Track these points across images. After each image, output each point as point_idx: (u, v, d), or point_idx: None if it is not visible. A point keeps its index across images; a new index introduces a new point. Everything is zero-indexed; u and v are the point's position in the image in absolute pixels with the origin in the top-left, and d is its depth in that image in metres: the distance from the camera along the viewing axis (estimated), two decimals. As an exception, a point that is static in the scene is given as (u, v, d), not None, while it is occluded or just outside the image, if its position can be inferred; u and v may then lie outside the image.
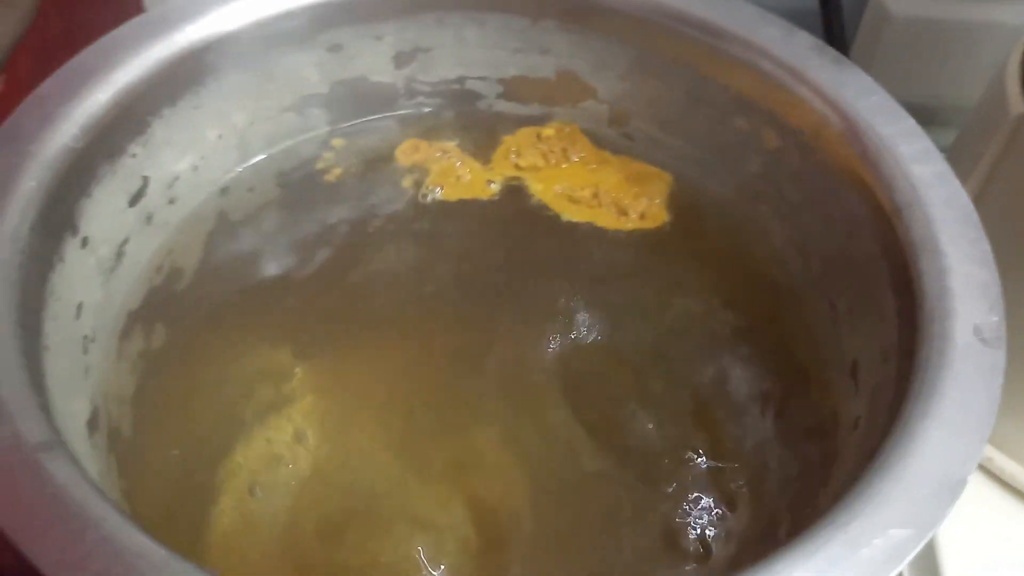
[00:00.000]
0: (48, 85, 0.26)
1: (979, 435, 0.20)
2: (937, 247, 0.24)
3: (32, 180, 0.24)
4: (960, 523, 0.35)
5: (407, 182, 0.33)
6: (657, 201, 0.33)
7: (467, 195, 0.33)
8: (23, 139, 0.25)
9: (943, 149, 0.38)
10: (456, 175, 0.33)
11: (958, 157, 0.36)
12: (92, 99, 0.26)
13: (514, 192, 0.33)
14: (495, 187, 0.33)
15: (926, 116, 0.47)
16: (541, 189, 0.33)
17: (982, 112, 0.35)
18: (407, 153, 0.33)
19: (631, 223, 0.32)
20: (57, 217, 0.25)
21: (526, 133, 0.34)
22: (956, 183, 0.26)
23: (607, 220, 0.32)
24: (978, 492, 0.36)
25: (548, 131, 0.34)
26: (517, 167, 0.33)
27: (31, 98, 0.26)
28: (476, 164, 0.33)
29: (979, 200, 0.34)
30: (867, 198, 0.27)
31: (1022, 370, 0.33)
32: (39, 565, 0.16)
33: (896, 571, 0.17)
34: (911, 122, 0.27)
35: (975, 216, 0.25)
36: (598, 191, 0.32)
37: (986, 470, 0.36)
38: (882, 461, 0.19)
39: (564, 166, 0.33)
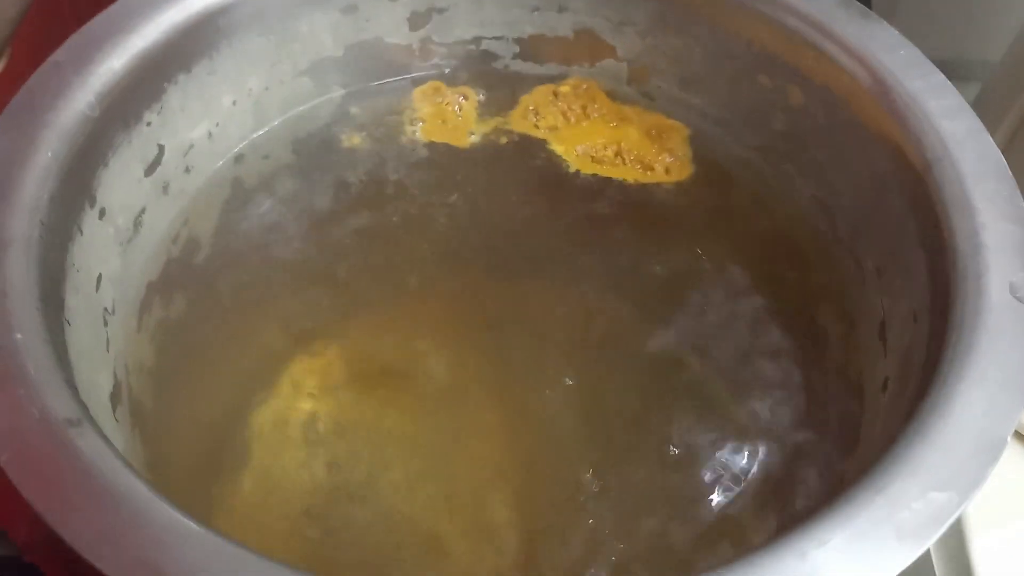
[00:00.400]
0: (62, 52, 0.25)
1: (1019, 393, 0.19)
2: (970, 204, 0.23)
3: (48, 150, 0.24)
4: (989, 484, 0.35)
5: (424, 146, 0.33)
6: (680, 155, 0.32)
7: (444, 138, 0.32)
8: (38, 108, 0.24)
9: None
10: (443, 118, 0.33)
11: (982, 112, 0.36)
12: (106, 66, 0.26)
13: (527, 146, 0.32)
14: (474, 138, 0.32)
15: (947, 71, 0.46)
16: (563, 149, 0.32)
17: (1008, 67, 0.34)
18: (427, 95, 0.33)
19: (656, 177, 0.32)
20: (75, 188, 0.25)
21: (543, 91, 0.34)
22: (988, 138, 0.25)
23: (633, 175, 0.32)
24: (1009, 451, 0.36)
25: (565, 88, 0.33)
26: (536, 126, 0.33)
27: (45, 66, 0.25)
28: (473, 115, 0.33)
29: (1006, 156, 0.33)
30: (896, 155, 0.26)
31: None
32: (71, 542, 0.16)
33: (937, 534, 0.17)
34: (941, 77, 0.27)
35: (1008, 172, 0.24)
36: (620, 149, 0.32)
37: (1018, 429, 0.35)
38: (919, 422, 0.19)
39: (584, 124, 0.33)
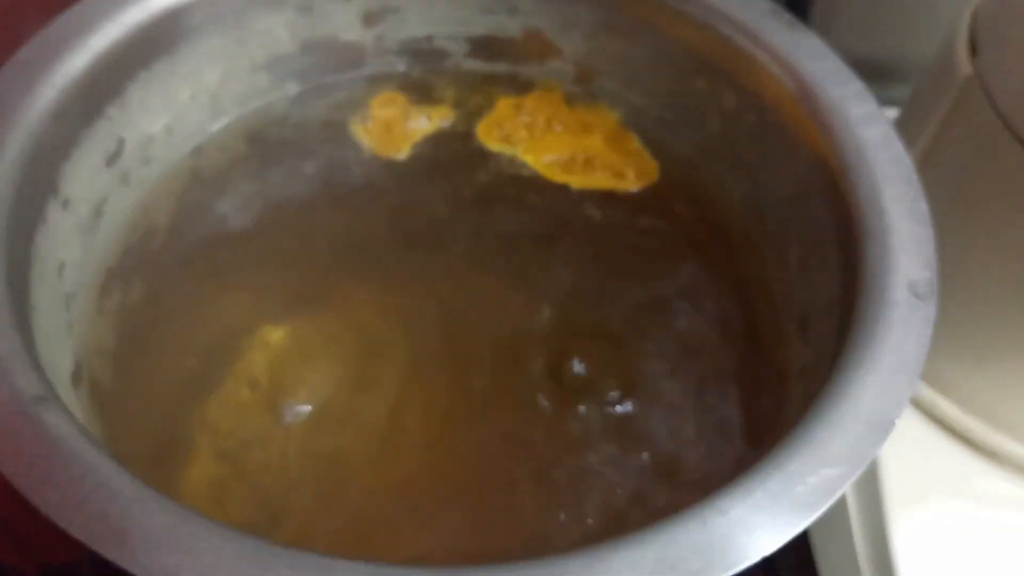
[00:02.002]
0: (27, 51, 0.26)
1: (909, 381, 0.22)
2: (880, 206, 0.25)
3: (15, 145, 0.25)
4: (905, 468, 0.37)
5: (368, 136, 0.34)
6: (644, 159, 0.34)
7: (392, 147, 0.34)
8: (6, 106, 0.25)
9: (903, 103, 0.40)
10: (388, 125, 0.34)
11: (912, 115, 0.38)
12: (70, 63, 0.27)
13: (487, 157, 0.34)
14: (403, 154, 0.34)
15: (888, 71, 0.48)
16: (532, 160, 0.34)
17: (933, 73, 0.37)
18: (381, 104, 0.34)
19: (627, 183, 0.34)
20: (39, 180, 0.26)
21: (506, 105, 0.35)
22: (900, 145, 0.27)
23: (605, 182, 0.34)
24: (922, 436, 0.38)
25: (529, 101, 0.35)
26: (505, 141, 0.34)
27: (10, 64, 0.26)
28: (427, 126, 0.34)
29: (929, 158, 0.35)
30: (817, 158, 0.28)
31: (965, 323, 0.35)
32: (43, 509, 0.18)
33: (827, 505, 0.19)
34: (860, 85, 0.29)
35: (916, 177, 0.26)
36: (588, 156, 0.34)
37: (929, 416, 0.38)
38: (819, 406, 0.21)
39: (549, 136, 0.34)
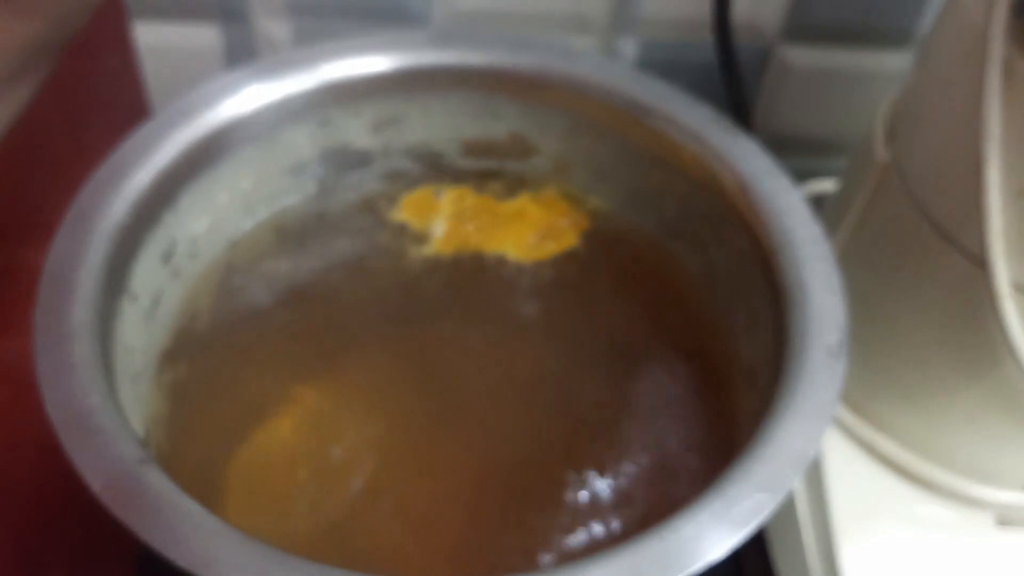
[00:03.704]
0: (103, 171, 0.32)
1: (823, 424, 0.27)
2: (801, 280, 0.31)
3: (97, 253, 0.31)
4: (851, 497, 0.42)
5: (386, 229, 0.40)
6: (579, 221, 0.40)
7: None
8: (88, 218, 0.31)
9: (838, 176, 0.46)
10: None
11: (842, 194, 0.44)
12: (138, 180, 0.33)
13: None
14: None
15: (828, 148, 0.55)
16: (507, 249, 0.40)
17: (857, 157, 0.43)
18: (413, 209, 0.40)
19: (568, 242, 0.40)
20: (116, 280, 0.31)
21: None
22: (819, 229, 0.33)
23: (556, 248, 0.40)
24: (865, 468, 0.43)
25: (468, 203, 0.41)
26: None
27: (90, 183, 0.32)
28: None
29: (857, 230, 0.42)
30: (754, 241, 0.34)
31: (897, 371, 0.41)
32: (150, 544, 0.23)
33: (758, 523, 0.25)
34: (786, 180, 0.35)
35: (830, 255, 0.32)
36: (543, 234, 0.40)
37: (870, 450, 0.43)
38: (753, 443, 0.27)
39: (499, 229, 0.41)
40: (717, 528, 0.25)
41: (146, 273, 0.34)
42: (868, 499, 0.43)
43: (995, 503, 0.42)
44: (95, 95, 0.48)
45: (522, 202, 0.41)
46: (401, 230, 0.40)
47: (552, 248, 0.40)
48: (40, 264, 0.29)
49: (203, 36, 0.46)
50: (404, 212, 0.40)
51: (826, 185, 0.50)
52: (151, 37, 0.46)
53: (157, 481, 0.25)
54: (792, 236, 0.33)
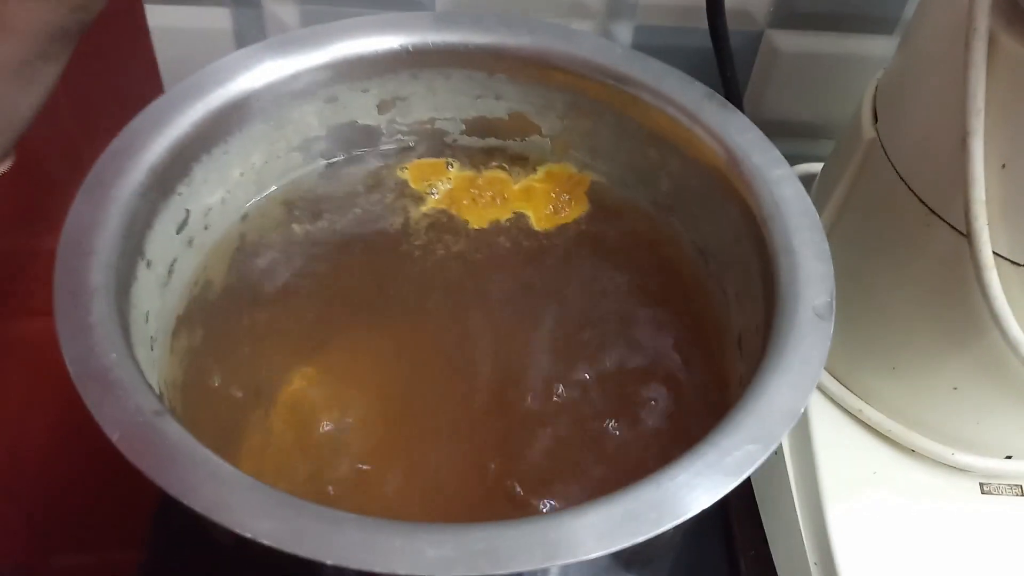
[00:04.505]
0: (119, 141, 0.33)
1: (812, 380, 0.29)
2: (791, 247, 0.33)
3: (115, 219, 0.32)
4: (839, 463, 0.44)
5: (392, 199, 0.41)
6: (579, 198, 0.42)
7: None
8: (106, 185, 0.32)
9: (826, 159, 0.47)
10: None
11: (830, 170, 0.45)
12: (152, 151, 0.34)
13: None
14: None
15: (816, 131, 0.57)
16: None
17: (845, 136, 0.44)
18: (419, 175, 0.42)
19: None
20: (132, 246, 0.33)
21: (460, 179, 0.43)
22: (808, 200, 0.34)
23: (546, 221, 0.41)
24: (852, 436, 0.45)
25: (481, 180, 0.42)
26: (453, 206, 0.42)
27: (107, 153, 0.33)
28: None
29: (844, 205, 0.43)
30: (745, 212, 0.35)
31: (882, 342, 0.42)
32: (166, 489, 0.24)
33: (749, 472, 0.26)
34: (777, 153, 0.36)
35: (819, 223, 0.34)
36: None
37: (857, 419, 0.45)
38: (745, 400, 0.28)
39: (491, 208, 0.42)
40: (710, 476, 0.26)
41: (161, 241, 0.35)
42: (856, 467, 0.44)
43: (979, 470, 0.43)
44: (108, 78, 0.49)
45: (531, 180, 0.42)
46: (403, 192, 0.41)
47: (562, 219, 0.41)
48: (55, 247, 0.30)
49: (214, 18, 0.47)
50: (409, 175, 0.42)
51: (814, 168, 0.51)
52: (163, 19, 0.47)
53: (173, 431, 0.26)
54: (782, 206, 0.34)
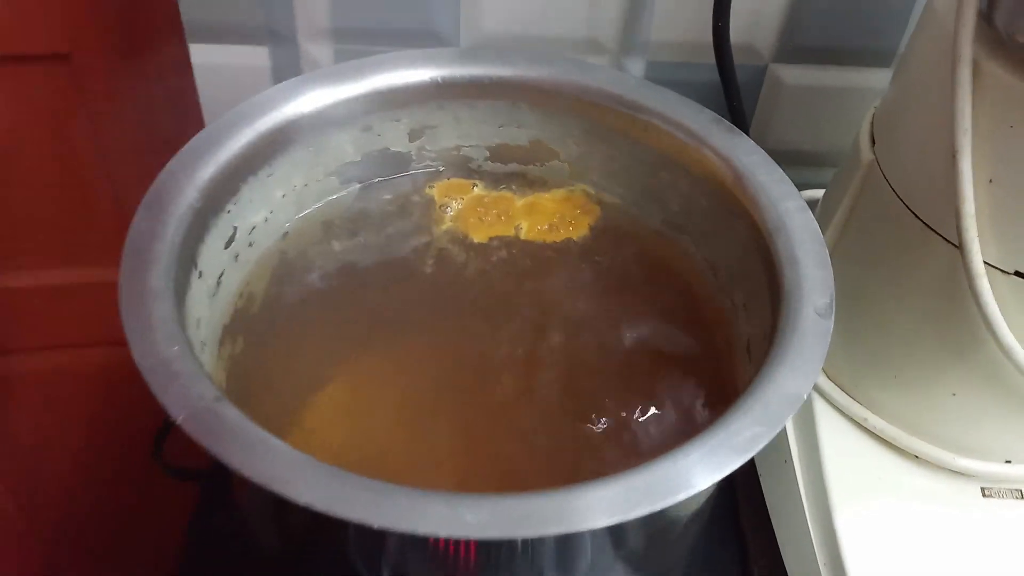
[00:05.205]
0: (174, 163, 0.37)
1: (814, 370, 0.31)
2: (795, 257, 0.35)
3: (173, 233, 0.35)
4: (846, 470, 0.46)
5: (430, 221, 0.44)
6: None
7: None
8: (163, 202, 0.35)
9: (827, 185, 0.50)
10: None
11: (832, 192, 0.48)
12: (205, 172, 0.37)
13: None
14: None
15: (817, 159, 0.60)
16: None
17: (846, 159, 0.47)
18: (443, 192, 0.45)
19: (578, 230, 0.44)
20: (187, 258, 0.35)
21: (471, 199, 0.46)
22: (809, 214, 0.37)
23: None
24: (858, 444, 0.47)
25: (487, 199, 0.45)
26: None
27: (164, 172, 0.36)
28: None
29: (846, 224, 0.46)
30: (751, 226, 0.38)
31: (885, 355, 0.45)
32: (227, 463, 0.27)
33: (755, 450, 0.28)
34: (781, 172, 0.39)
35: (820, 235, 0.36)
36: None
37: (862, 427, 0.47)
38: (752, 388, 0.31)
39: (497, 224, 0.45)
40: (721, 454, 0.28)
41: (211, 254, 0.38)
42: (862, 472, 0.46)
43: (980, 474, 0.45)
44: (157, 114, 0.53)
45: (535, 197, 0.45)
46: (428, 212, 0.44)
47: (553, 236, 0.44)
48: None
49: (253, 57, 0.51)
50: (436, 194, 0.45)
51: (817, 195, 0.54)
52: (205, 57, 0.51)
53: (232, 415, 0.29)
54: (785, 220, 0.37)
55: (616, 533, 0.34)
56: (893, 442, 0.46)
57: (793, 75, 0.53)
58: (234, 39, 0.50)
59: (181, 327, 0.32)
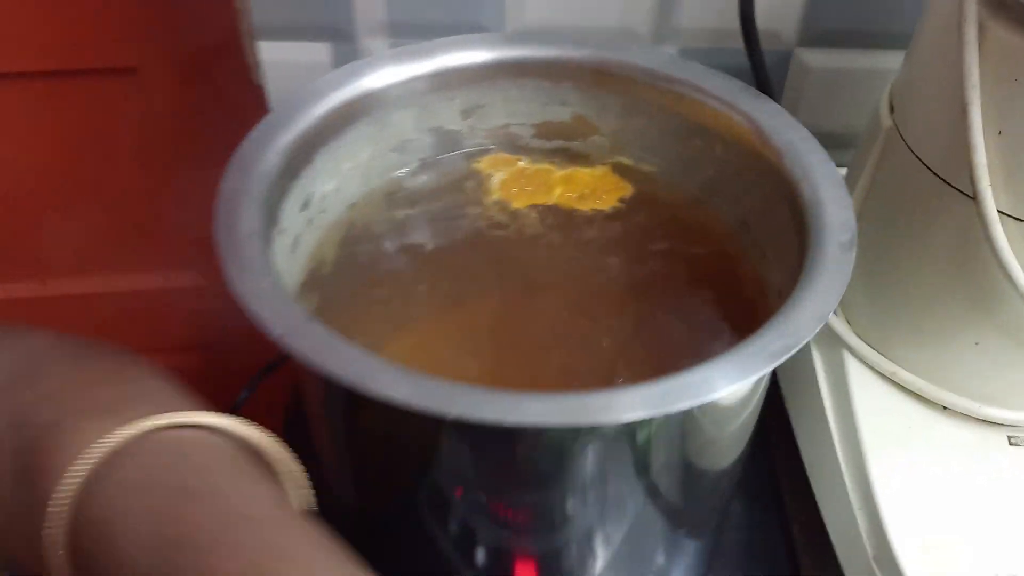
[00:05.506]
0: (257, 130, 0.41)
1: (837, 293, 0.34)
2: (819, 200, 0.39)
3: (258, 192, 0.39)
4: (878, 418, 0.49)
5: (480, 193, 0.48)
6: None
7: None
8: (247, 165, 0.40)
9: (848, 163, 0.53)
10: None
11: (857, 158, 0.52)
12: (283, 139, 0.41)
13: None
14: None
15: (841, 140, 0.63)
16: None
17: (868, 127, 0.51)
18: (490, 165, 0.49)
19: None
20: (270, 215, 0.40)
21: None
22: (832, 164, 0.40)
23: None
24: (888, 398, 0.50)
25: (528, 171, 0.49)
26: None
27: (247, 140, 0.41)
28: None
29: (870, 187, 0.49)
30: (780, 179, 0.41)
31: (909, 310, 0.48)
32: (324, 370, 0.31)
33: (785, 357, 0.32)
34: (804, 131, 0.42)
35: (842, 181, 0.40)
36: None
37: (892, 381, 0.50)
38: (782, 308, 0.34)
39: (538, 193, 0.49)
40: (754, 359, 0.32)
41: (290, 215, 0.42)
42: (893, 424, 0.49)
43: (1007, 423, 0.48)
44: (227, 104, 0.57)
45: (573, 170, 0.49)
46: (479, 185, 0.48)
47: (591, 205, 0.48)
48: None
49: (315, 53, 0.55)
50: (483, 167, 0.49)
51: (841, 172, 0.57)
52: (271, 54, 0.55)
53: (322, 331, 0.33)
54: (810, 169, 0.40)
55: (656, 474, 0.37)
56: (921, 394, 0.49)
57: (816, 59, 0.57)
58: (299, 36, 0.55)
59: (270, 267, 0.36)
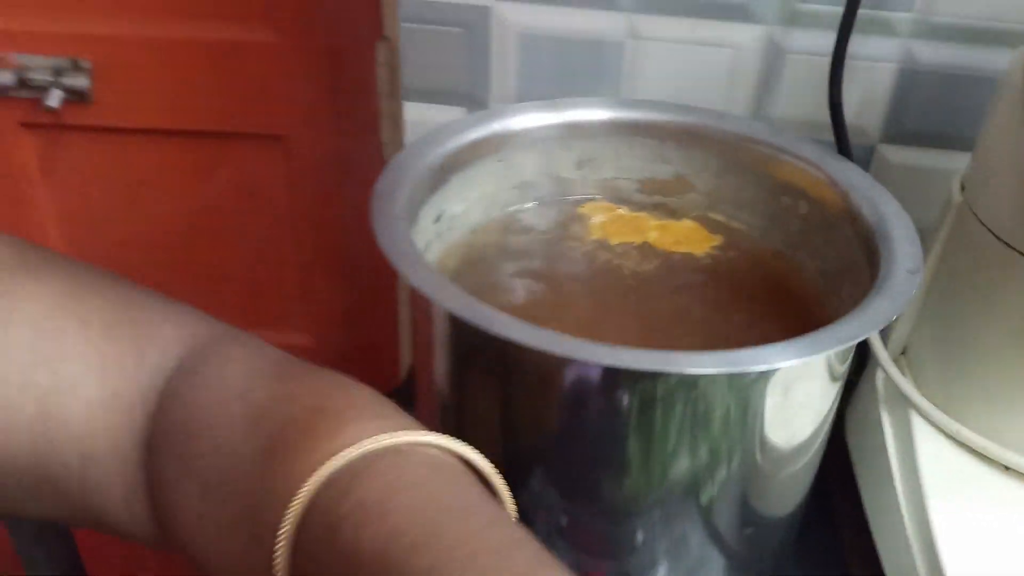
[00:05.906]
0: (406, 151, 0.49)
1: (903, 301, 0.39)
2: (889, 236, 0.44)
3: (406, 198, 0.46)
4: (942, 475, 0.52)
5: (583, 232, 0.55)
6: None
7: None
8: (402, 169, 0.47)
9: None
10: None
11: (929, 238, 0.57)
12: (428, 159, 0.49)
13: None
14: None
15: (920, 232, 0.67)
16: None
17: (940, 209, 0.56)
18: (592, 211, 0.55)
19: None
20: (412, 212, 0.47)
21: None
22: (906, 215, 0.46)
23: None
24: (952, 454, 0.52)
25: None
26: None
27: (398, 156, 0.48)
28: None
29: (940, 267, 0.54)
30: (858, 230, 0.47)
31: (975, 373, 0.52)
32: (455, 312, 0.37)
33: (855, 342, 0.36)
34: (882, 188, 0.48)
35: (911, 223, 0.45)
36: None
37: (956, 439, 0.53)
38: (852, 311, 0.39)
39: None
40: (828, 340, 0.37)
41: (425, 224, 0.49)
42: (955, 480, 0.51)
43: (1066, 486, 0.50)
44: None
45: (667, 221, 0.56)
46: (582, 224, 0.55)
47: (685, 250, 0.54)
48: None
49: (452, 115, 0.64)
50: (587, 211, 0.56)
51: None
52: (415, 115, 0.64)
53: (457, 289, 0.39)
54: (884, 216, 0.46)
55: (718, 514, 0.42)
56: (984, 452, 0.52)
57: (896, 155, 0.63)
58: (440, 100, 0.63)
59: (412, 242, 0.43)
